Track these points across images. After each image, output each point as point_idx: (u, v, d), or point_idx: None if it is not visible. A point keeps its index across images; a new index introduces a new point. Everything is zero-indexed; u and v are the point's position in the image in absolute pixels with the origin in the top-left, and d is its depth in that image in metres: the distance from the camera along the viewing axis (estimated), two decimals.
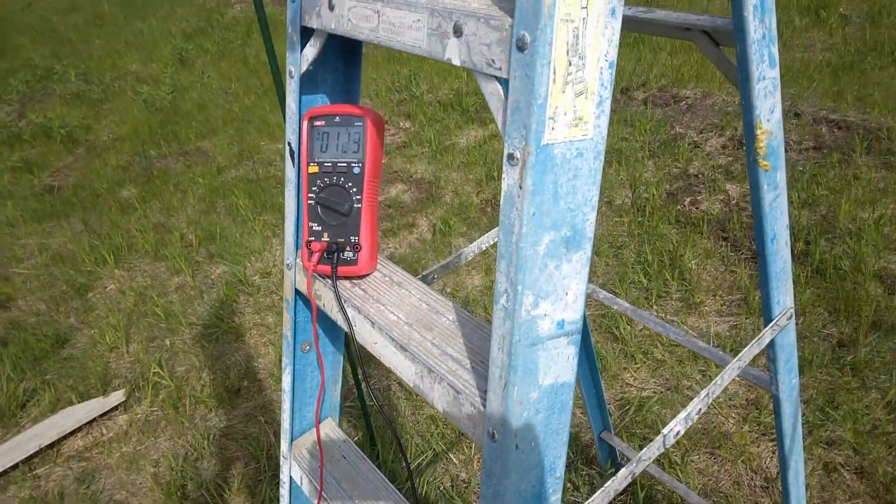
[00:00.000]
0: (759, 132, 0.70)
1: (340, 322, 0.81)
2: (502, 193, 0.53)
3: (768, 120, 0.70)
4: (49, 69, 6.51)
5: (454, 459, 2.21)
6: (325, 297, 0.84)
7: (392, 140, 4.38)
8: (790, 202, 3.11)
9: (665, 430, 0.79)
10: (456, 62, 0.55)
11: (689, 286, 2.73)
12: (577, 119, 0.51)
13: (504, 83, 0.52)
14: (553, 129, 0.50)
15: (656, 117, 4.06)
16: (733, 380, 1.99)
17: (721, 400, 2.24)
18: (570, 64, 0.49)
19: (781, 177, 0.76)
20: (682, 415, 0.81)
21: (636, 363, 2.44)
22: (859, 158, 3.32)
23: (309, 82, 0.81)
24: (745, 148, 3.56)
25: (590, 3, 0.48)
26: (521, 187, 0.51)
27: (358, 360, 0.71)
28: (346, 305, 0.79)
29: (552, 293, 0.56)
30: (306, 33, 0.76)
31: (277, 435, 2.39)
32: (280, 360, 2.73)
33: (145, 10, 8.29)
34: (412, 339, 0.72)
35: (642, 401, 2.27)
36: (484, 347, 0.69)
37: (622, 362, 2.46)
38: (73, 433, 2.53)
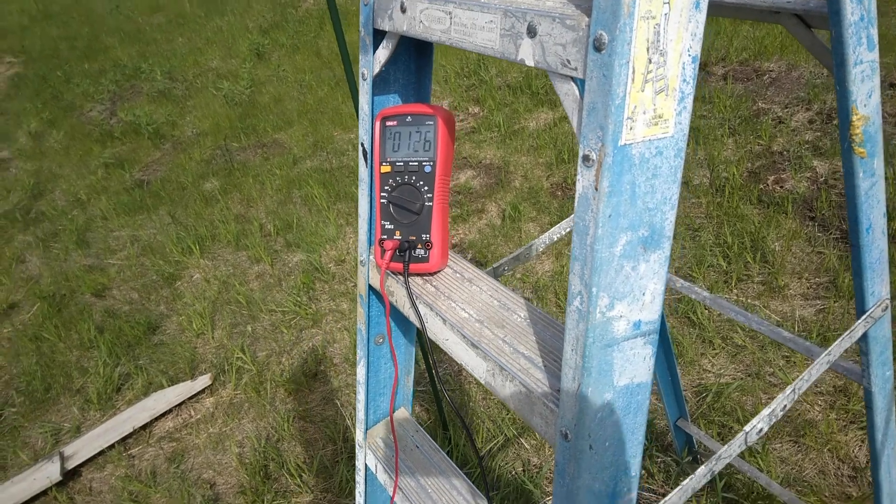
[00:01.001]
0: (854, 118, 0.66)
1: (412, 318, 0.82)
2: (577, 195, 0.52)
3: (865, 105, 0.66)
4: (136, 68, 6.85)
5: (525, 444, 2.22)
6: (397, 294, 0.85)
7: (461, 126, 4.38)
8: (886, 179, 2.91)
9: (747, 428, 0.77)
10: (529, 63, 0.54)
11: (772, 269, 2.61)
12: (657, 117, 0.50)
13: (579, 83, 0.51)
14: (631, 129, 0.49)
15: (737, 93, 3.88)
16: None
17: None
18: (650, 62, 0.47)
19: (879, 163, 0.72)
20: (766, 411, 0.78)
21: (714, 349, 2.36)
22: None
23: (381, 83, 0.82)
24: (835, 122, 3.36)
25: None
26: (596, 189, 0.50)
27: (429, 350, 0.72)
28: (417, 302, 0.80)
29: (628, 294, 0.55)
30: (378, 35, 0.77)
31: (353, 418, 2.47)
32: (354, 346, 2.80)
33: (224, 7, 8.57)
34: (483, 336, 0.72)
35: (721, 388, 2.20)
36: (556, 346, 0.69)
37: (699, 348, 2.38)
38: (163, 415, 2.69)
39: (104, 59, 7.48)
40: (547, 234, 1.14)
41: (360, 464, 1.09)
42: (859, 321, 0.85)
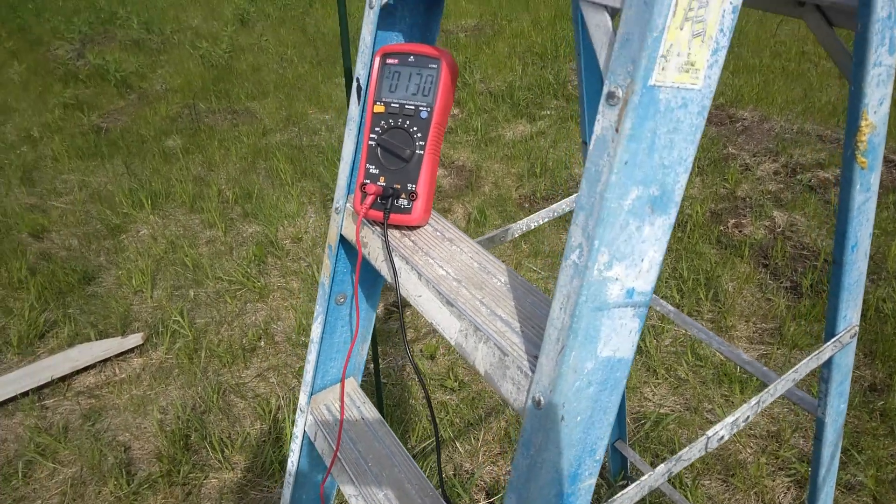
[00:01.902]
0: (863, 123, 0.64)
1: (384, 272, 0.77)
2: (593, 138, 0.49)
3: (875, 112, 0.65)
4: (113, 13, 6.60)
5: (460, 448, 2.17)
6: (370, 245, 0.80)
7: None
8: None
9: (710, 432, 0.74)
10: None
11: (722, 308, 2.65)
12: (689, 64, 0.47)
13: (612, 14, 0.48)
14: (663, 69, 0.45)
15: (709, 135, 3.96)
16: (754, 409, 1.92)
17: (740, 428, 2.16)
18: None
19: (876, 179, 0.70)
20: (730, 419, 0.76)
21: (658, 378, 2.37)
22: None
23: (387, 16, 0.77)
24: (797, 176, 3.46)
25: None
26: (617, 130, 0.46)
27: (399, 308, 0.67)
28: (393, 255, 0.75)
29: (628, 256, 0.52)
30: None
31: (287, 398, 2.38)
32: (299, 327, 2.71)
33: None
34: (460, 295, 0.68)
35: (660, 417, 2.21)
36: (536, 313, 0.65)
37: (643, 376, 2.39)
38: (86, 369, 2.55)
39: None
40: (525, 220, 1.11)
41: (298, 430, 1.03)
42: (828, 343, 0.84)
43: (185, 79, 5.19)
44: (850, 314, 0.82)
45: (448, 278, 0.70)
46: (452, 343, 0.67)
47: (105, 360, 2.57)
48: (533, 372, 0.57)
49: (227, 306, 2.86)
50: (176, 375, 2.52)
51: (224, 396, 2.42)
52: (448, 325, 0.67)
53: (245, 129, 4.38)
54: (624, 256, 0.51)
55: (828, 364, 0.86)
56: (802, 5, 0.66)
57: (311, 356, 0.99)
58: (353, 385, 1.04)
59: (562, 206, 1.14)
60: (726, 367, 2.35)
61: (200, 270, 3.06)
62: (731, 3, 0.46)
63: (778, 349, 2.43)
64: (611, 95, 0.47)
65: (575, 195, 1.16)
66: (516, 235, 1.11)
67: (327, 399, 1.03)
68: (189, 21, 6.58)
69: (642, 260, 0.53)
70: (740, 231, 3.12)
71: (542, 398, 0.55)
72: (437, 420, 2.26)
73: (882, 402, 2.19)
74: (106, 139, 4.30)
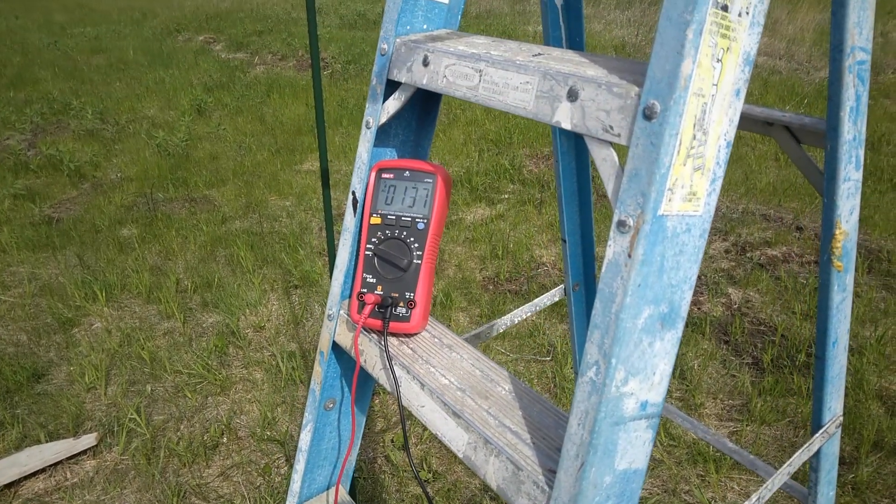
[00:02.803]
0: (837, 232, 0.69)
1: (383, 381, 0.77)
2: (606, 261, 0.51)
3: (847, 221, 0.70)
4: (66, 104, 6.59)
5: None
6: (367, 353, 0.80)
7: None
8: (792, 313, 3.12)
9: None
10: (566, 126, 0.54)
11: (689, 386, 2.69)
12: (692, 194, 0.50)
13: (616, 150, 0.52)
14: (670, 200, 0.49)
15: None
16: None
17: None
18: (694, 138, 0.48)
19: (850, 279, 0.75)
20: None
21: None
22: (861, 278, 3.36)
23: (381, 134, 0.80)
24: (746, 254, 3.61)
25: (720, 81, 0.48)
26: (629, 256, 0.49)
27: (402, 418, 0.68)
28: (393, 363, 0.75)
29: (642, 371, 0.54)
30: (391, 86, 0.76)
31: (252, 499, 2.27)
32: (263, 420, 2.62)
33: (169, 61, 8.50)
34: (466, 405, 0.68)
35: (641, 501, 2.19)
36: (544, 423, 0.65)
37: None
38: (35, 474, 2.39)
39: (32, 91, 7.17)
40: (509, 315, 1.13)
41: None
42: (816, 436, 0.87)
43: (141, 167, 5.17)
44: (835, 405, 0.85)
45: (451, 388, 0.71)
46: (460, 456, 0.67)
47: (56, 464, 2.42)
48: (550, 487, 0.57)
49: (187, 401, 2.75)
50: (132, 478, 2.39)
51: (184, 499, 2.29)
52: (455, 437, 0.67)
53: (204, 217, 4.35)
54: (638, 371, 0.53)
55: (816, 454, 0.89)
56: (771, 125, 0.72)
57: (300, 465, 0.96)
58: (341, 493, 1.01)
59: (543, 300, 1.17)
60: (699, 447, 2.36)
61: (158, 364, 2.96)
62: (725, 139, 0.51)
63: (747, 426, 2.46)
64: (622, 224, 0.50)
65: (556, 288, 1.19)
66: (501, 330, 1.13)
67: None
68: (145, 111, 6.62)
69: (654, 373, 0.55)
70: (699, 308, 3.21)
71: None
72: None
73: (853, 476, 2.22)
74: (58, 229, 4.21)
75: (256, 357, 3.01)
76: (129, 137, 5.86)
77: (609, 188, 0.52)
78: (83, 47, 9.29)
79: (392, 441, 2.51)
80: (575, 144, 1.02)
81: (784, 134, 0.71)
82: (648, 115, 0.48)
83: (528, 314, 1.16)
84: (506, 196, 4.54)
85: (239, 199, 4.62)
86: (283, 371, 2.89)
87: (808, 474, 0.95)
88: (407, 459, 2.41)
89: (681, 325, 0.55)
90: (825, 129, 0.65)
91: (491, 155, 5.22)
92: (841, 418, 0.88)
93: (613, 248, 0.50)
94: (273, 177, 4.97)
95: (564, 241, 1.11)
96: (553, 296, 1.18)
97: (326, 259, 3.83)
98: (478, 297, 3.39)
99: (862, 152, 0.67)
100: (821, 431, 0.86)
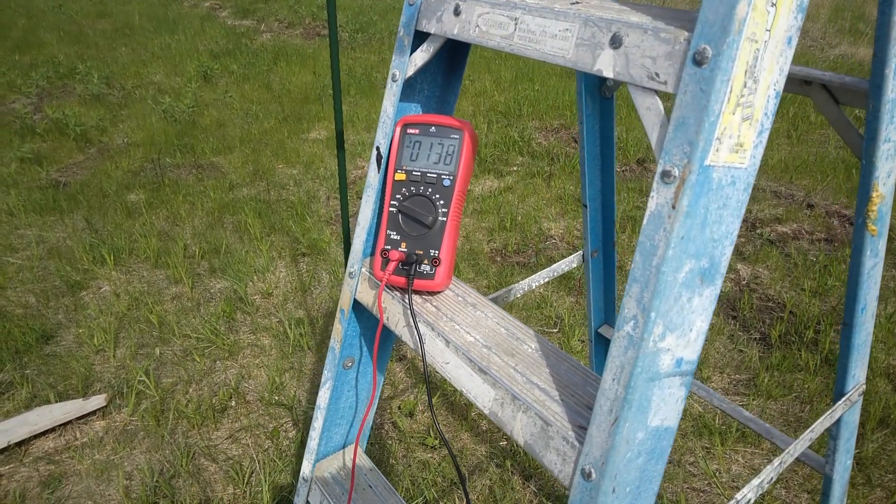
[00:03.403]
0: (874, 194, 0.68)
1: (406, 338, 0.77)
2: (648, 213, 0.50)
3: (884, 184, 0.69)
4: (72, 68, 6.53)
5: None
6: (390, 311, 0.79)
7: None
8: (801, 290, 3.11)
9: (738, 496, 0.74)
10: (608, 73, 0.53)
11: None
12: (739, 145, 0.49)
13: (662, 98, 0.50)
14: (717, 150, 0.47)
15: None
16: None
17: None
18: (744, 86, 0.47)
19: (883, 244, 0.74)
20: (755, 481, 0.76)
21: None
22: None
23: (407, 89, 0.78)
24: (756, 230, 3.59)
25: (773, 27, 0.46)
26: (673, 207, 0.48)
27: (426, 377, 0.67)
28: (417, 321, 0.74)
29: (679, 326, 0.53)
30: (419, 38, 0.74)
31: (260, 462, 2.29)
32: (271, 384, 2.64)
33: (175, 27, 8.40)
34: (492, 362, 0.67)
35: None
36: (572, 380, 0.65)
37: None
38: (45, 433, 2.41)
39: (38, 54, 7.10)
40: (528, 279, 1.12)
41: (300, 500, 0.99)
42: (839, 403, 0.86)
43: (147, 133, 5.14)
44: (859, 373, 0.84)
45: (477, 345, 0.70)
46: (486, 412, 0.66)
47: (65, 424, 2.44)
48: (580, 443, 0.57)
49: (196, 365, 2.76)
50: (141, 438, 2.41)
51: (194, 460, 2.32)
52: (481, 393, 0.67)
53: (211, 184, 4.34)
54: (676, 327, 0.52)
55: (837, 422, 0.88)
56: (809, 84, 0.70)
57: (317, 422, 0.96)
58: (358, 451, 1.01)
59: (561, 265, 1.16)
60: (705, 419, 2.37)
61: (166, 328, 2.97)
62: (774, 88, 0.49)
63: (753, 400, 2.47)
64: (666, 174, 0.48)
65: (575, 254, 1.18)
66: (518, 295, 1.12)
67: (332, 467, 0.99)
68: (151, 77, 6.56)
69: (691, 329, 0.54)
70: None
71: (592, 470, 0.55)
72: (420, 479, 2.20)
73: (858, 451, 2.23)
74: (65, 193, 4.20)
75: (264, 323, 3.02)
76: (135, 103, 5.82)
77: (653, 138, 0.50)
78: (88, 11, 9.18)
79: (399, 408, 2.52)
80: (600, 107, 1.00)
81: (822, 93, 0.69)
82: (699, 61, 0.46)
83: (546, 280, 1.15)
84: (514, 168, 4.51)
85: (246, 166, 4.60)
86: (291, 337, 2.90)
87: (826, 442, 0.95)
88: (413, 427, 2.43)
89: (720, 282, 0.54)
90: (867, 88, 0.63)
91: (500, 127, 5.17)
92: (864, 386, 0.88)
93: (656, 199, 0.49)
94: (280, 145, 4.94)
95: (585, 206, 1.10)
96: (571, 262, 1.17)
97: (334, 227, 3.82)
98: (485, 269, 3.38)
99: None
100: (843, 399, 0.85)
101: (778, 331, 2.81)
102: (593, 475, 0.55)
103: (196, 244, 3.63)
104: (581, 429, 0.58)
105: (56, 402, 2.52)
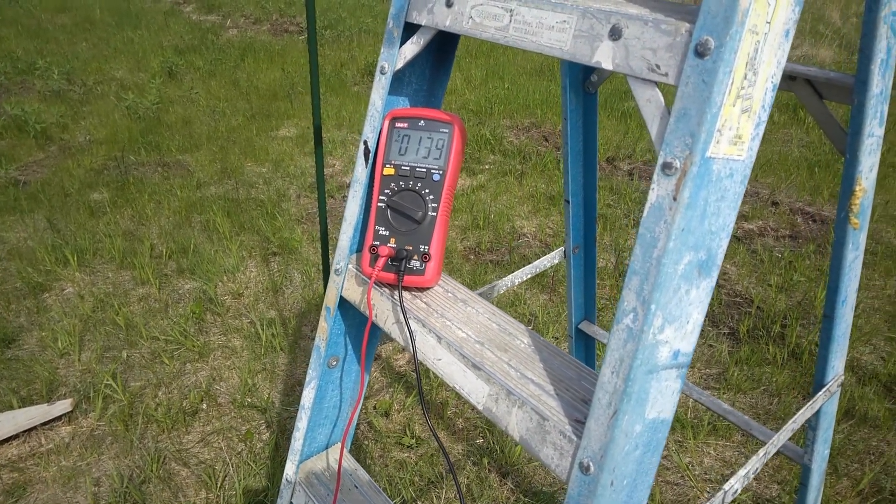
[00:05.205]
0: (857, 188, 0.69)
1: (396, 335, 0.76)
2: (648, 204, 0.50)
3: (866, 178, 0.70)
4: (31, 63, 6.33)
5: None
6: (379, 307, 0.78)
7: None
8: (768, 285, 3.18)
9: (725, 487, 0.75)
10: (607, 66, 0.53)
11: None
12: (738, 137, 0.49)
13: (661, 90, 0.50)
14: (718, 142, 0.48)
15: (641, 188, 4.15)
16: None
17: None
18: (745, 77, 0.47)
19: (863, 238, 0.76)
20: (742, 472, 0.77)
21: None
22: None
23: (394, 82, 0.77)
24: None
25: (773, 19, 0.47)
26: (675, 199, 0.48)
27: (417, 373, 0.66)
28: (408, 317, 0.73)
29: (677, 319, 0.53)
30: (408, 30, 0.73)
31: (234, 465, 2.25)
32: (243, 386, 2.60)
33: (138, 21, 8.21)
34: (485, 357, 0.67)
35: None
36: (567, 375, 0.65)
37: None
38: (8, 440, 2.33)
39: None
40: (509, 277, 1.12)
41: (283, 502, 0.97)
42: (819, 393, 0.88)
43: (110, 130, 5.01)
44: (838, 364, 0.86)
45: (470, 340, 0.69)
46: (480, 408, 0.66)
47: (30, 430, 2.37)
48: (578, 437, 0.57)
49: (165, 367, 2.70)
50: (110, 444, 2.35)
51: (164, 464, 2.27)
52: (474, 390, 0.66)
53: (178, 182, 4.25)
54: (674, 319, 0.53)
55: (816, 413, 0.90)
56: (794, 80, 0.71)
57: (302, 423, 0.94)
58: (345, 452, 1.00)
59: (543, 262, 1.16)
60: (677, 413, 2.41)
61: (133, 330, 2.90)
62: (772, 81, 0.49)
63: (724, 394, 2.52)
64: (667, 166, 0.48)
65: (556, 251, 1.18)
66: (502, 291, 1.12)
67: (316, 467, 0.98)
68: (113, 72, 6.40)
69: (688, 322, 0.54)
70: None
71: (591, 463, 0.55)
72: (398, 479, 2.19)
73: None
74: (25, 193, 4.07)
75: (235, 324, 2.97)
76: (97, 99, 5.67)
77: (653, 130, 0.50)
78: (47, 5, 8.92)
79: (375, 408, 2.50)
80: (584, 102, 1.00)
81: (806, 88, 0.71)
82: (701, 52, 0.46)
83: (528, 276, 1.15)
84: (487, 167, 4.51)
85: (214, 164, 4.52)
86: (263, 338, 2.86)
87: (805, 433, 0.97)
88: (397, 424, 2.42)
89: (716, 274, 0.54)
90: (851, 83, 0.64)
91: (471, 125, 5.18)
92: (842, 377, 0.89)
93: (657, 191, 0.49)
94: (248, 142, 4.86)
95: (567, 202, 1.10)
96: (553, 258, 1.18)
97: (305, 226, 3.78)
98: (459, 267, 3.38)
99: (886, 108, 0.67)
100: (823, 390, 0.87)
101: (746, 326, 2.87)
102: (592, 469, 0.55)
103: (163, 244, 3.55)
104: (578, 423, 0.58)
105: (19, 407, 2.44)
